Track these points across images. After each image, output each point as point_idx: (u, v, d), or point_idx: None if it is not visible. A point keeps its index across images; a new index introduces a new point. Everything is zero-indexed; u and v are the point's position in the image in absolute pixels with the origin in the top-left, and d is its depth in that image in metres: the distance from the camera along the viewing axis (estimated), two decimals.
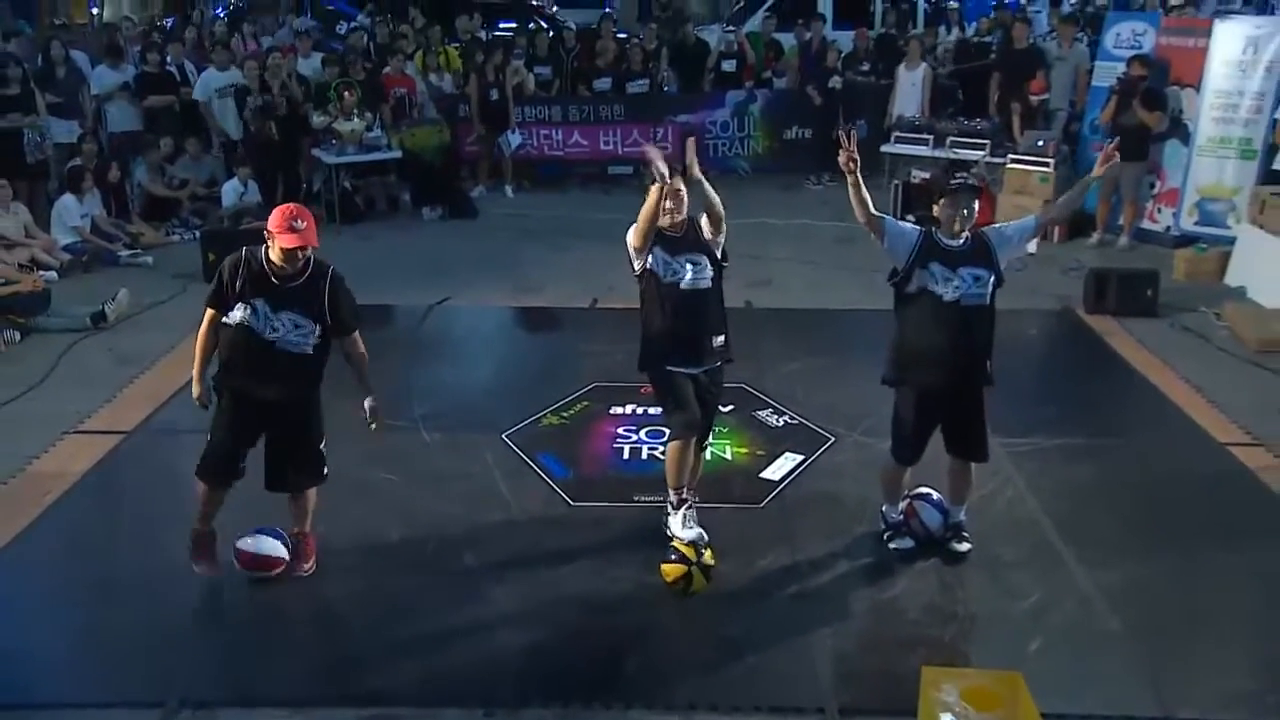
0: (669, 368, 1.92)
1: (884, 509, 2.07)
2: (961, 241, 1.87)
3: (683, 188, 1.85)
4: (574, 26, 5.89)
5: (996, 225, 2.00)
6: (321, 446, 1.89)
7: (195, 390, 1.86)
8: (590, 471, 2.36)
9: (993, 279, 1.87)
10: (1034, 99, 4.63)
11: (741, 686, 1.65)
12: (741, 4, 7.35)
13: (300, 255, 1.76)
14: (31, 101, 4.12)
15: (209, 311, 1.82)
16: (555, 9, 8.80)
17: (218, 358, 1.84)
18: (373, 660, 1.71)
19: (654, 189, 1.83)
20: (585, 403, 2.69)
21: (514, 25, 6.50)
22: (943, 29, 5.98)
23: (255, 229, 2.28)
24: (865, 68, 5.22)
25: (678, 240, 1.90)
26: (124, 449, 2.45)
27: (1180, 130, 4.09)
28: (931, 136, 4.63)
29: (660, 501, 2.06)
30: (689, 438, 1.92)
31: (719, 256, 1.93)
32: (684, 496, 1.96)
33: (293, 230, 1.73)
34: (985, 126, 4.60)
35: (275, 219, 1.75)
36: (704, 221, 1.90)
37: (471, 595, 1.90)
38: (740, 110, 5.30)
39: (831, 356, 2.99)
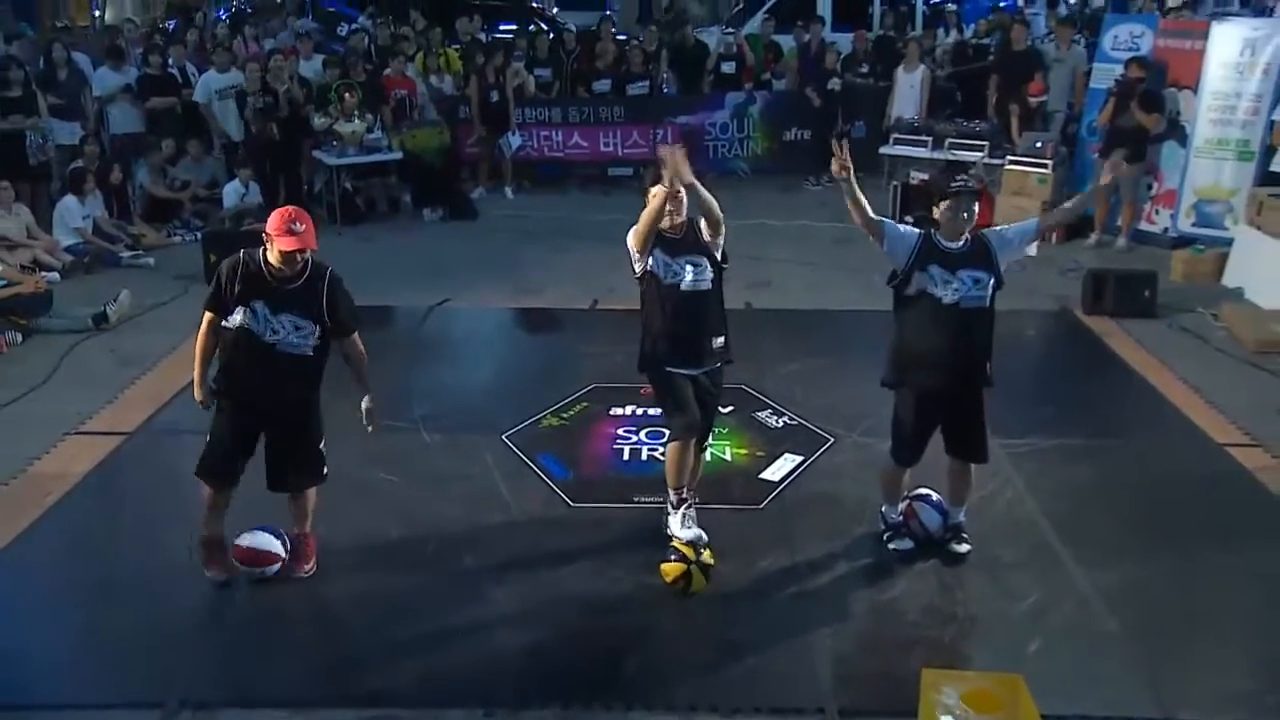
0: (669, 369, 1.93)
1: (883, 510, 2.07)
2: (961, 243, 1.87)
3: (683, 190, 1.85)
4: (574, 29, 5.89)
5: (998, 228, 1.97)
6: (321, 446, 1.90)
7: (197, 394, 1.87)
8: (590, 472, 2.36)
9: (992, 281, 1.87)
10: (1032, 101, 4.65)
11: (741, 688, 1.65)
12: (740, 6, 7.38)
13: (299, 258, 1.76)
14: (34, 103, 4.14)
15: (207, 315, 1.82)
16: (556, 11, 8.82)
17: (217, 360, 1.85)
18: (373, 661, 1.72)
19: (656, 194, 1.83)
20: (585, 404, 2.70)
21: (514, 27, 6.52)
22: (941, 31, 5.99)
23: (257, 230, 2.29)
24: (864, 69, 5.24)
25: (678, 242, 1.91)
26: (125, 450, 2.46)
27: (1178, 132, 4.10)
28: (930, 138, 4.65)
29: (660, 502, 2.06)
30: (688, 439, 1.93)
31: (719, 258, 1.93)
32: (684, 496, 1.97)
33: (291, 233, 1.73)
34: (983, 128, 4.61)
35: (274, 222, 1.76)
36: (703, 224, 1.91)
37: (471, 596, 1.90)
38: (739, 112, 5.32)
39: (831, 357, 3.00)
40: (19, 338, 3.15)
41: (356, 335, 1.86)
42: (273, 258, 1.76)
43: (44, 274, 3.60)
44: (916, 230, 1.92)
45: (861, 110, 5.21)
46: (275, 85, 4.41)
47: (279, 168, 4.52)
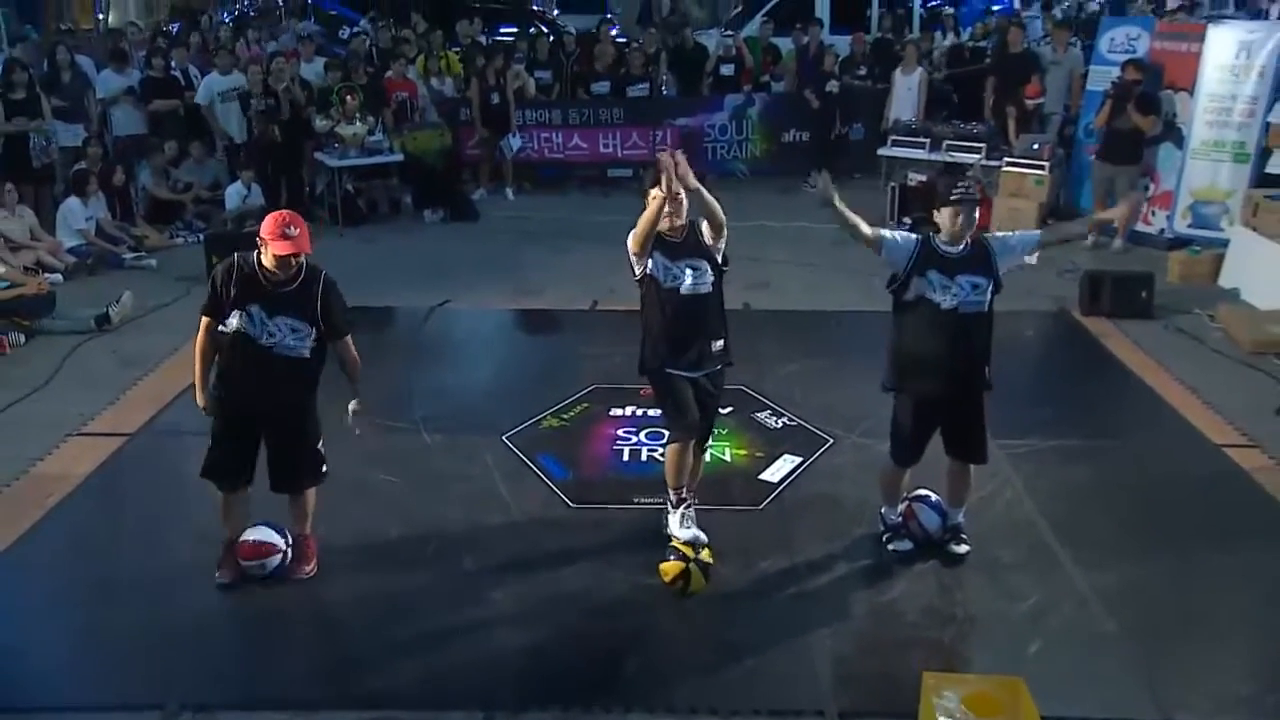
0: (669, 370, 1.93)
1: (883, 511, 2.08)
2: (961, 248, 1.87)
3: (682, 193, 1.86)
4: (574, 31, 5.90)
5: (1000, 234, 1.97)
6: (319, 447, 1.91)
7: (200, 400, 1.88)
8: (590, 473, 2.37)
9: (991, 286, 1.87)
10: (1029, 103, 4.68)
11: (741, 689, 1.66)
12: (739, 9, 7.40)
13: (293, 262, 1.77)
14: (37, 106, 4.15)
15: (204, 319, 1.83)
16: (556, 13, 8.84)
17: (216, 364, 1.85)
18: (373, 662, 1.73)
19: (656, 197, 1.84)
20: (585, 405, 2.70)
21: (515, 30, 6.53)
22: (938, 34, 6.01)
23: (259, 232, 2.29)
24: (862, 72, 5.27)
25: (678, 245, 1.91)
26: (127, 451, 2.46)
27: (1174, 134, 4.12)
28: (928, 140, 4.67)
29: (660, 503, 2.07)
30: (688, 440, 1.94)
31: (719, 261, 1.94)
32: (683, 496, 1.97)
33: (286, 237, 1.74)
34: (981, 130, 4.63)
35: (268, 226, 1.76)
36: (704, 226, 1.92)
37: (471, 597, 1.91)
38: (738, 114, 5.34)
39: (830, 358, 3.00)
40: (22, 339, 3.16)
41: (349, 338, 1.87)
42: (267, 261, 1.77)
43: (47, 275, 3.61)
44: (915, 236, 1.93)
45: (859, 112, 5.24)
46: (276, 87, 4.43)
47: (281, 170, 4.54)
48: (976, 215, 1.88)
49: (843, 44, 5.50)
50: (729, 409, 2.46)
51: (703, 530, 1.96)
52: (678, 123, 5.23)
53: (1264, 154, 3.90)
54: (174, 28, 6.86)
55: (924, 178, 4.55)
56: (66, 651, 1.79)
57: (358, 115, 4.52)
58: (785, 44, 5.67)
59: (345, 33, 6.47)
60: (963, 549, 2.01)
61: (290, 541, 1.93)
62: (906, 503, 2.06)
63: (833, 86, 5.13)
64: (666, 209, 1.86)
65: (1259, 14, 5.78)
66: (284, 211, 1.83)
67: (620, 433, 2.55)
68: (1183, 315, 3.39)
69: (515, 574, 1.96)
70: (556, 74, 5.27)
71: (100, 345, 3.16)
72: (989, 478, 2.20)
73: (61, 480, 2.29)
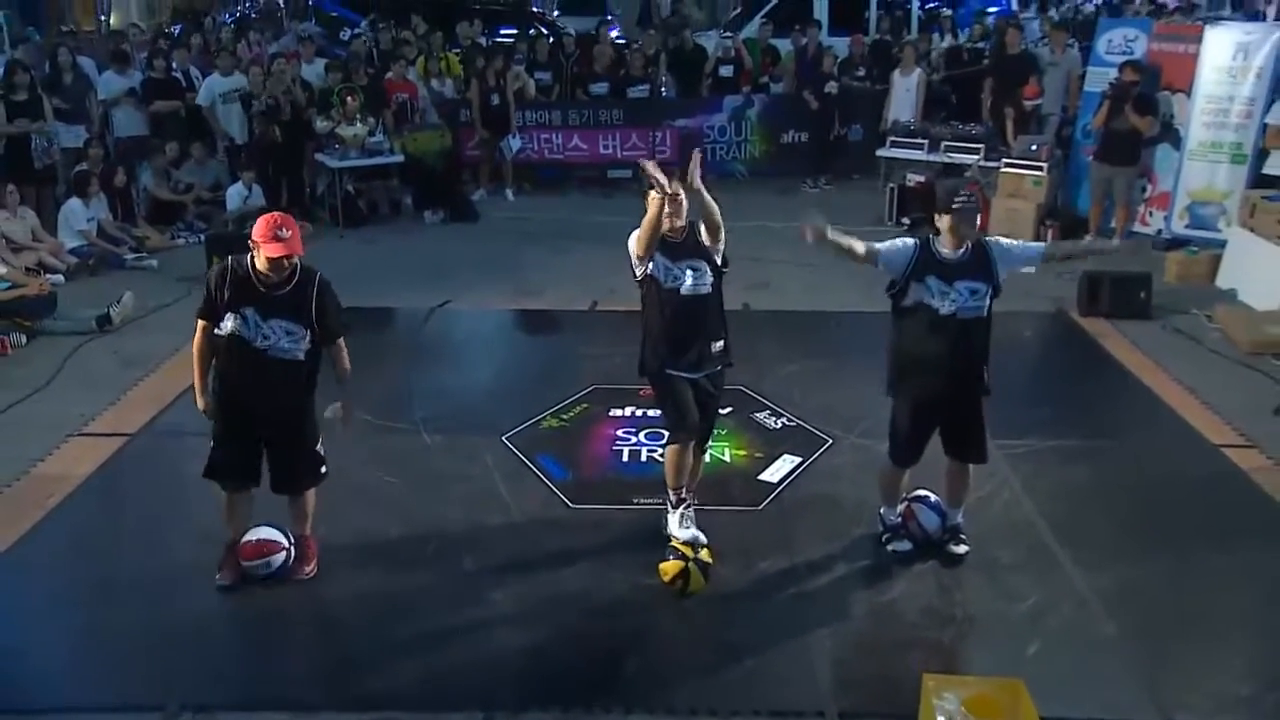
0: (669, 371, 1.94)
1: (882, 511, 2.08)
2: (960, 253, 1.86)
3: (682, 193, 1.87)
4: (574, 33, 5.91)
5: (1003, 241, 1.94)
6: (318, 448, 1.91)
7: (200, 403, 1.88)
8: (590, 474, 2.37)
9: (990, 291, 1.87)
10: (1027, 104, 4.69)
11: (741, 690, 1.66)
12: (739, 10, 7.43)
13: (286, 264, 1.77)
14: (39, 107, 4.16)
15: (201, 323, 1.83)
16: (556, 15, 8.85)
17: (214, 366, 1.86)
18: (373, 663, 1.73)
19: (655, 199, 1.84)
20: (585, 405, 2.71)
21: (515, 31, 6.54)
22: (935, 36, 6.02)
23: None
24: (860, 73, 5.28)
25: (678, 246, 1.92)
26: (128, 451, 2.46)
27: (1172, 135, 4.14)
28: (926, 141, 4.68)
29: (659, 504, 2.07)
30: (687, 441, 1.94)
31: (719, 262, 1.94)
32: (683, 497, 1.98)
33: (278, 239, 1.73)
34: (979, 131, 4.65)
35: (260, 228, 1.76)
36: (703, 229, 1.92)
37: (471, 597, 1.91)
38: (738, 115, 5.35)
39: (829, 359, 3.01)
40: (23, 339, 3.16)
41: (343, 341, 1.87)
42: (260, 264, 1.77)
43: (48, 276, 3.62)
44: (912, 241, 1.91)
45: (858, 113, 5.25)
46: (275, 91, 4.45)
47: (281, 170, 4.55)
48: (977, 223, 1.88)
49: (841, 45, 5.51)
50: (728, 409, 2.46)
51: (702, 530, 1.96)
52: (677, 124, 5.24)
53: (1261, 155, 3.91)
54: (176, 29, 6.88)
55: (922, 178, 4.57)
56: (67, 652, 1.79)
57: (358, 116, 4.54)
58: (784, 45, 5.68)
59: (346, 34, 6.48)
60: (962, 549, 2.02)
61: (292, 541, 1.94)
62: (906, 503, 2.07)
63: (831, 88, 5.14)
64: (666, 209, 1.86)
65: (1256, 15, 5.79)
66: (276, 213, 1.82)
67: (620, 433, 2.55)
68: (1180, 315, 3.40)
69: (515, 574, 1.97)
70: (556, 75, 5.28)
71: (101, 346, 3.17)
72: (987, 478, 2.21)
73: (62, 481, 2.30)
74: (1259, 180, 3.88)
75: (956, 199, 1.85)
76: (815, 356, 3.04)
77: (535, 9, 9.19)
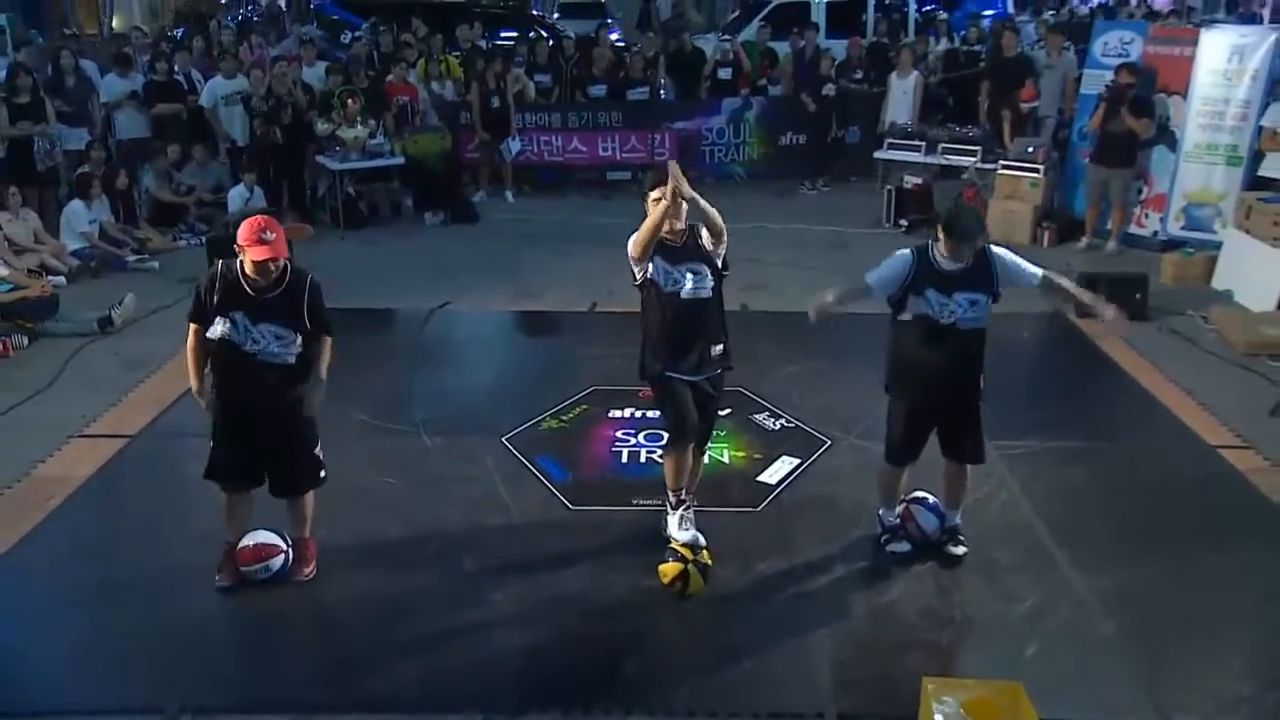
0: (669, 374, 1.94)
1: (880, 513, 2.09)
2: (960, 264, 1.83)
3: (681, 194, 1.86)
4: (573, 35, 5.94)
5: (1009, 257, 1.90)
6: (316, 451, 1.91)
7: (195, 387, 1.87)
8: (589, 475, 2.38)
9: (989, 301, 1.86)
10: (1024, 106, 4.71)
11: (740, 691, 1.66)
12: (737, 13, 7.51)
13: (272, 267, 1.76)
14: (42, 110, 4.17)
15: (192, 326, 1.83)
16: (556, 17, 8.86)
17: (209, 367, 1.86)
18: (373, 664, 1.73)
19: (655, 200, 1.84)
20: (584, 406, 2.71)
21: (514, 34, 6.57)
22: (932, 39, 6.05)
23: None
24: (858, 76, 5.30)
25: (678, 249, 1.92)
26: (128, 453, 2.47)
27: (1167, 137, 4.14)
28: (924, 143, 4.70)
29: (659, 505, 2.08)
30: (687, 443, 1.95)
31: (720, 265, 1.94)
32: (682, 498, 1.99)
33: (263, 242, 1.73)
34: (976, 133, 4.67)
35: (244, 232, 1.76)
36: (704, 232, 1.92)
37: (471, 599, 1.91)
38: (736, 117, 5.37)
39: (827, 360, 3.00)
40: (25, 341, 3.17)
41: (329, 341, 1.85)
42: (247, 268, 1.77)
43: (50, 278, 3.63)
44: (908, 255, 1.88)
45: (856, 116, 5.27)
46: (278, 90, 4.46)
47: (283, 173, 4.57)
48: (977, 245, 1.84)
49: (839, 48, 5.53)
50: (727, 410, 2.47)
51: (701, 532, 1.97)
52: (675, 126, 5.26)
53: (1256, 157, 3.92)
54: (178, 33, 6.91)
55: (920, 180, 4.60)
56: (67, 654, 1.79)
57: (359, 119, 4.55)
58: (782, 48, 5.71)
59: (347, 37, 6.52)
60: (960, 550, 2.02)
61: (290, 544, 1.94)
62: (904, 504, 2.07)
63: (829, 90, 5.16)
64: (668, 213, 1.86)
65: (1252, 18, 5.82)
66: (260, 217, 1.82)
67: (619, 434, 2.56)
68: (1176, 317, 3.41)
69: (515, 576, 1.97)
70: (556, 78, 5.29)
71: (103, 347, 3.17)
72: (986, 479, 2.21)
73: (63, 482, 2.30)
74: (1254, 182, 3.89)
75: (960, 224, 1.81)
76: (814, 358, 3.04)
77: (535, 12, 9.23)
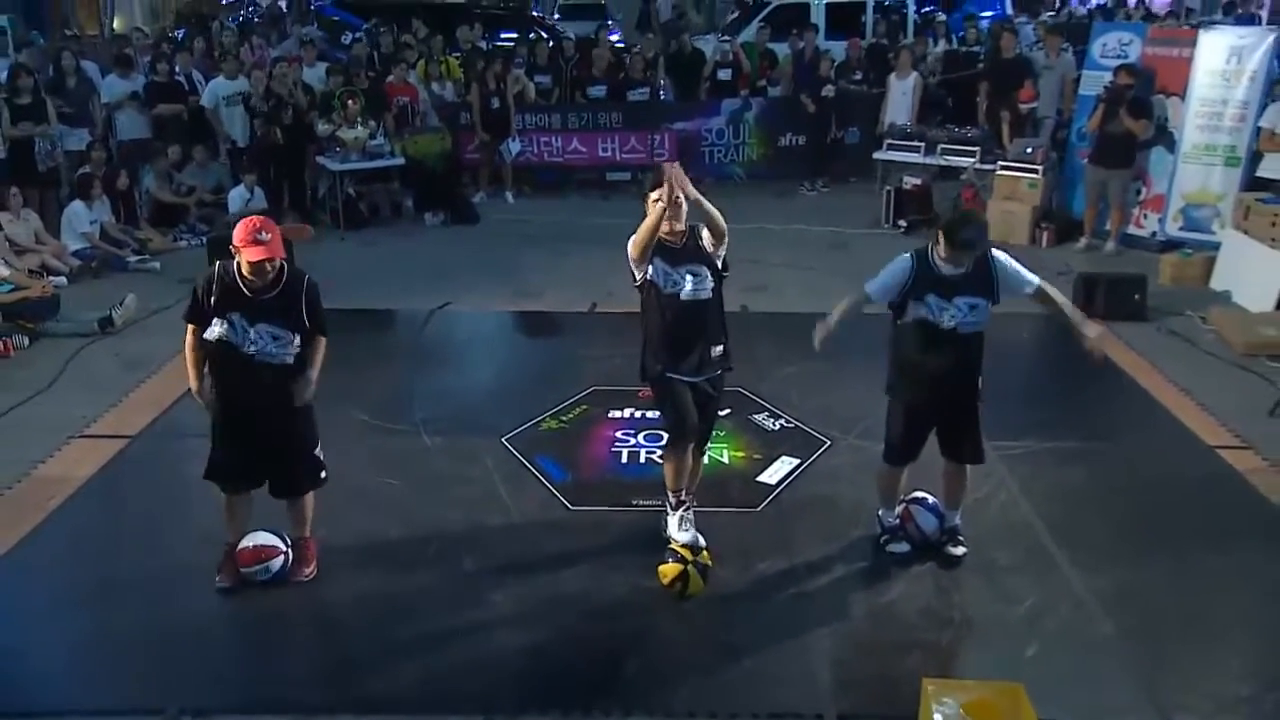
0: (669, 374, 1.94)
1: (880, 513, 2.09)
2: (960, 269, 1.83)
3: (681, 196, 1.86)
4: (573, 37, 5.95)
5: (1011, 265, 1.88)
6: (316, 451, 1.91)
7: (201, 403, 1.89)
8: (589, 475, 2.38)
9: (989, 305, 1.86)
10: (1023, 107, 4.73)
11: (740, 691, 1.67)
12: (737, 14, 7.51)
13: (268, 267, 1.76)
14: (43, 110, 4.18)
15: (190, 327, 1.83)
16: (557, 19, 8.87)
17: (208, 368, 1.86)
18: (373, 665, 1.73)
19: (655, 201, 1.85)
20: (584, 406, 2.71)
21: (514, 35, 6.58)
22: (930, 40, 6.06)
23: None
24: (857, 76, 5.32)
25: (678, 251, 1.92)
26: (129, 453, 2.47)
27: (1166, 138, 4.15)
28: (923, 144, 4.71)
29: (658, 506, 2.08)
30: (686, 444, 1.95)
31: (720, 267, 1.95)
32: (682, 499, 1.99)
33: (258, 243, 1.73)
34: (975, 134, 4.68)
35: (240, 233, 1.76)
36: (704, 233, 1.92)
37: (471, 599, 1.91)
38: (735, 118, 5.38)
39: (826, 360, 2.96)
40: (26, 341, 3.17)
41: (323, 341, 1.86)
42: (243, 269, 1.77)
43: (51, 278, 3.63)
44: (907, 261, 1.87)
45: (855, 116, 5.28)
46: (279, 90, 4.47)
47: (283, 173, 4.58)
48: (975, 254, 1.84)
49: (838, 49, 5.54)
50: (727, 411, 2.46)
51: (701, 532, 1.97)
52: (675, 127, 5.27)
53: (1254, 158, 3.93)
54: (179, 34, 6.91)
55: (919, 181, 4.61)
56: (67, 654, 1.79)
57: (359, 119, 4.56)
58: (782, 49, 5.72)
59: (347, 38, 6.52)
60: (960, 551, 2.02)
61: (290, 544, 1.95)
62: (904, 505, 2.08)
63: (828, 91, 5.18)
64: (667, 212, 1.87)
65: (1250, 19, 5.83)
66: (255, 217, 1.82)
67: (619, 435, 2.56)
68: (1175, 317, 3.41)
69: (515, 576, 1.97)
70: (556, 79, 5.30)
71: (103, 348, 3.18)
72: (985, 479, 2.22)
73: (63, 482, 2.30)
74: (1252, 183, 3.90)
75: (963, 234, 1.78)
76: (813, 358, 2.99)
77: (535, 13, 9.24)
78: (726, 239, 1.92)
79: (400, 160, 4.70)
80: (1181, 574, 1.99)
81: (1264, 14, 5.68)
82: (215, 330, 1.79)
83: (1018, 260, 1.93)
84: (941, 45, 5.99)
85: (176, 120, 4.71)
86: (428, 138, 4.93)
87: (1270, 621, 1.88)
